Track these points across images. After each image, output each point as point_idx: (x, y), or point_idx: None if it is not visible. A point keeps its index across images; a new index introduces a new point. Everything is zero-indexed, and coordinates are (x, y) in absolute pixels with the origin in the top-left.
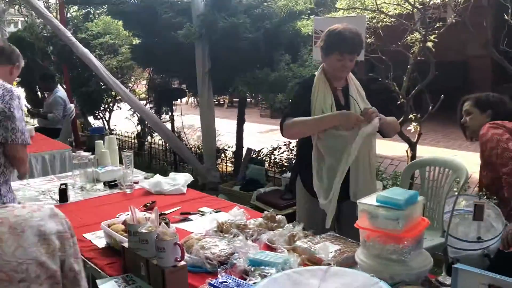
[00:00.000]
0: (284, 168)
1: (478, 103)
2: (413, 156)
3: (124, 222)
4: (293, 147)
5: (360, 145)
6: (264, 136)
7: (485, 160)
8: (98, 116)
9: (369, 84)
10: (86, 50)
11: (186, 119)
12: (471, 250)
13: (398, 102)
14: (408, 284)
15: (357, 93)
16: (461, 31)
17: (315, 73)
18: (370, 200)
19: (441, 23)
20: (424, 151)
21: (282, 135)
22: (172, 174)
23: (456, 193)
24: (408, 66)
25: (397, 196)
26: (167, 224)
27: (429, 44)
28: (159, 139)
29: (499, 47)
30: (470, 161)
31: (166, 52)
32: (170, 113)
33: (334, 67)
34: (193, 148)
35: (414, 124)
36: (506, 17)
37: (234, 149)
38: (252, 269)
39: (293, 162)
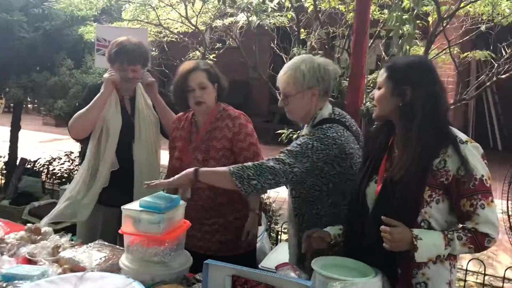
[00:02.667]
0: (63, 179)
1: (209, 75)
2: None
3: None
4: (75, 157)
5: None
6: (46, 146)
7: None
8: None
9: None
10: None
11: None
12: None
13: None
14: (166, 283)
15: (144, 103)
16: (242, 54)
17: None
18: (133, 205)
19: (221, 44)
20: None
21: (71, 137)
22: None
23: None
24: None
25: (159, 201)
26: None
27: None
28: None
29: (267, 70)
30: None
31: None
32: None
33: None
34: None
35: None
36: (272, 44)
37: (6, 159)
38: (5, 284)
39: (75, 172)
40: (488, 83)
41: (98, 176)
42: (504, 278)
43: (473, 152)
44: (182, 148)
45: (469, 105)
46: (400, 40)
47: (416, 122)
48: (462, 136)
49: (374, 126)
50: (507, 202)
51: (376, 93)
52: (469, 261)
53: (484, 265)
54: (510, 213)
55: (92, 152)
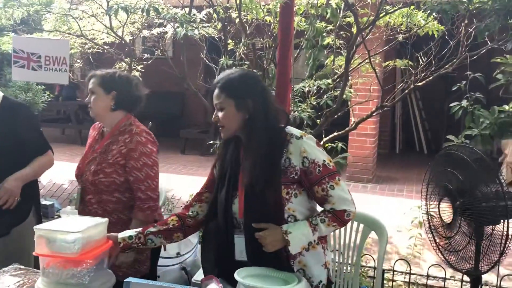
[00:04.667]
0: None
1: (103, 82)
2: None
3: None
4: None
5: None
6: None
7: None
8: None
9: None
10: None
11: None
12: (170, 265)
13: None
14: None
15: None
16: (176, 64)
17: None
18: (48, 225)
19: (149, 55)
20: None
21: None
22: None
23: None
24: None
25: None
26: None
27: (136, 73)
28: None
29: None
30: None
31: None
32: None
33: None
34: None
35: None
36: (201, 55)
37: None
38: None
39: None
40: (406, 91)
41: None
42: (428, 276)
43: (309, 143)
44: (84, 155)
45: (396, 111)
46: (311, 51)
47: (257, 130)
48: (296, 132)
49: (219, 145)
50: (426, 201)
51: (220, 114)
52: (396, 261)
53: (409, 264)
54: (430, 213)
55: None
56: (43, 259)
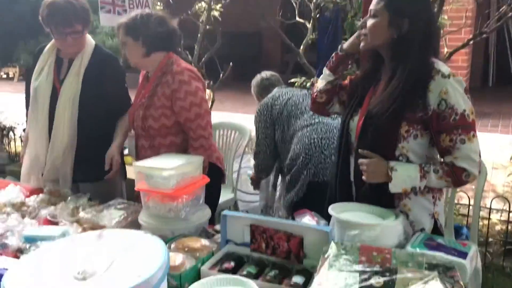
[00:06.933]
0: None
1: (128, 30)
2: None
3: None
4: None
5: None
6: None
7: None
8: None
9: None
10: None
11: None
12: (257, 201)
13: None
14: (186, 236)
15: (76, 71)
16: (252, 4)
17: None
18: (146, 162)
19: None
20: (224, 117)
21: None
22: None
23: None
24: (199, 35)
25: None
26: None
27: (215, 13)
28: None
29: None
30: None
31: None
32: None
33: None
34: None
35: (208, 90)
36: None
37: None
38: (28, 246)
39: None
40: (510, 14)
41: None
42: None
43: (455, 86)
44: (133, 102)
45: (490, 41)
46: None
47: (407, 56)
48: (445, 70)
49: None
50: None
51: (370, 21)
52: (493, 199)
53: (509, 202)
54: None
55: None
56: (144, 194)
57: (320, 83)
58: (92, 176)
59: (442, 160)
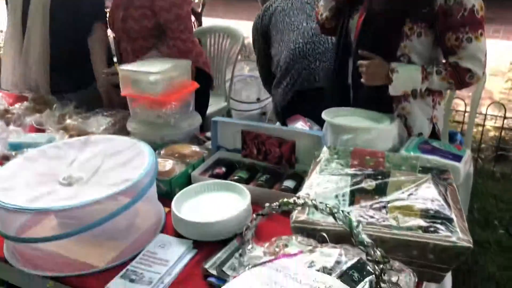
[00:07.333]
0: None
1: None
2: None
3: None
4: None
5: None
6: None
7: None
8: None
9: None
10: None
11: None
12: (251, 110)
13: None
14: (175, 142)
15: None
16: None
17: None
18: (132, 66)
19: None
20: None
21: None
22: None
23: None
24: None
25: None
26: None
27: None
28: None
29: None
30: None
31: None
32: None
33: None
34: None
35: None
36: None
37: None
38: (14, 153)
39: None
40: None
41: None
42: None
43: None
44: (113, 2)
45: None
46: None
47: None
48: None
49: None
50: None
51: None
52: (489, 105)
53: (505, 108)
54: None
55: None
56: (131, 100)
57: (323, 9)
58: (72, 86)
59: (445, 60)
